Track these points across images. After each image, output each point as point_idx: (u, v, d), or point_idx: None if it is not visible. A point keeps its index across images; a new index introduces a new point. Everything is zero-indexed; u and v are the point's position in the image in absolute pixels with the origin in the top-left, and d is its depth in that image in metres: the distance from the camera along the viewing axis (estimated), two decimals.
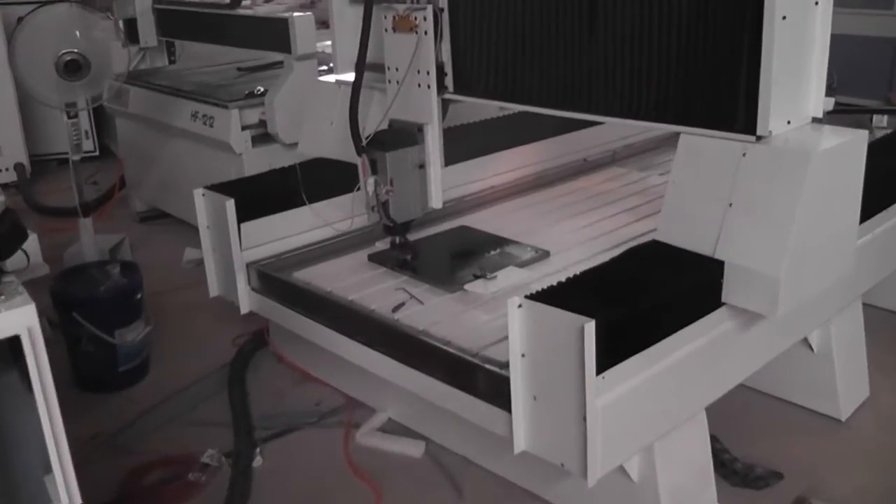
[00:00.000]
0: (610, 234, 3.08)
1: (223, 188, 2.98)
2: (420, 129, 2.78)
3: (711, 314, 2.15)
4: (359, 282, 2.82)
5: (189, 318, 3.61)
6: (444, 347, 2.34)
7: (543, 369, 2.01)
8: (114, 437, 2.86)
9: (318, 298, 2.73)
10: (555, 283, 2.10)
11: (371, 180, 2.74)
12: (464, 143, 3.46)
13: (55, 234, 4.36)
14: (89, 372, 3.13)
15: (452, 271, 2.84)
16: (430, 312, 2.57)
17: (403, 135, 2.80)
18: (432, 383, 2.33)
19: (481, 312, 2.56)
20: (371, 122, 2.83)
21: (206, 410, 3.01)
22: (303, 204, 2.96)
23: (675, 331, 2.07)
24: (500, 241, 3.03)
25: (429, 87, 2.71)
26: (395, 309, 2.59)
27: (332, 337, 2.66)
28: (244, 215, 2.89)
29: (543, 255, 2.92)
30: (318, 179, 3.09)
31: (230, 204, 2.84)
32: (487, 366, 2.23)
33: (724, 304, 2.18)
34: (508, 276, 2.75)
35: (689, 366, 2.13)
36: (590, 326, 1.85)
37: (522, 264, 2.83)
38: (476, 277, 2.71)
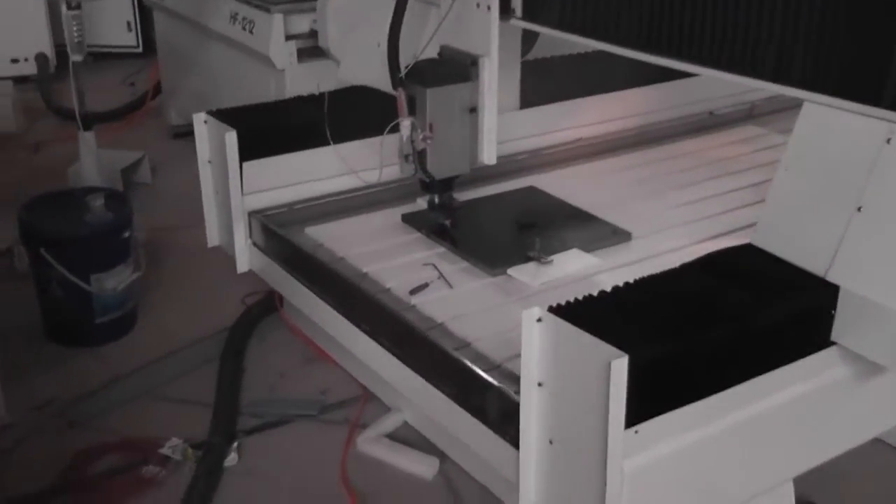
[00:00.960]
0: (719, 217, 2.85)
1: (230, 115, 2.86)
2: (474, 62, 2.58)
3: (813, 356, 1.89)
4: (382, 249, 2.70)
5: (197, 264, 3.48)
6: (455, 354, 2.13)
7: (565, 407, 1.79)
8: (71, 406, 2.77)
9: (323, 267, 2.59)
10: (595, 293, 1.88)
11: (407, 122, 2.59)
12: (549, 81, 3.33)
13: (66, 144, 4.29)
14: (59, 321, 3.05)
15: (501, 247, 2.68)
16: (459, 300, 2.42)
17: (453, 67, 2.62)
18: (435, 396, 2.16)
19: (523, 307, 2.29)
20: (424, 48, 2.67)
21: (192, 384, 2.91)
22: (326, 143, 2.82)
23: (753, 376, 1.80)
24: (571, 213, 2.87)
25: (489, 8, 2.50)
26: (415, 291, 2.44)
27: (333, 318, 2.54)
28: (250, 151, 2.78)
29: (623, 237, 2.73)
30: (353, 114, 2.96)
31: (231, 136, 2.72)
32: (503, 386, 2.01)
33: (833, 344, 1.91)
34: (568, 262, 2.56)
35: (771, 425, 1.88)
36: (620, 364, 1.59)
37: (592, 247, 2.64)
38: (529, 259, 2.53)
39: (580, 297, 1.85)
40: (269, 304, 3.24)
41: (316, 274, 2.62)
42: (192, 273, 3.50)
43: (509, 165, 3.05)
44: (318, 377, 2.95)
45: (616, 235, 2.72)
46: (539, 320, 1.78)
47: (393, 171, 2.78)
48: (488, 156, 2.70)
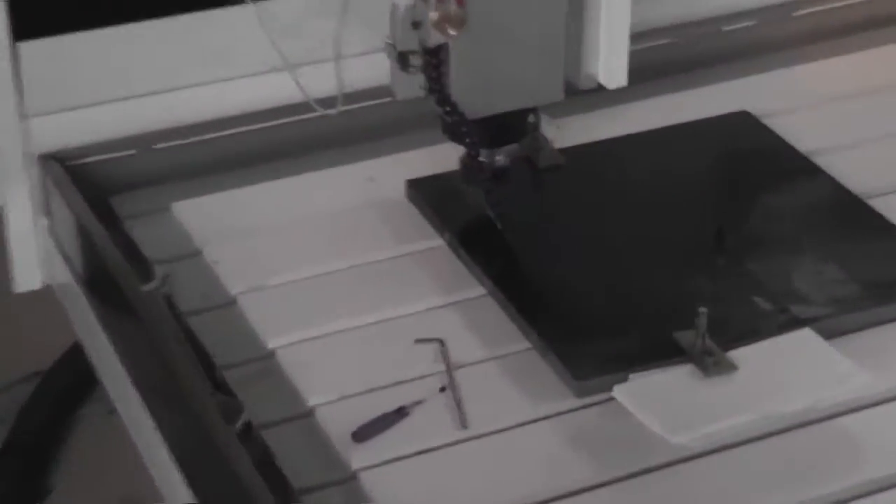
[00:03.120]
0: None
1: None
2: None
3: None
4: (336, 277, 2.37)
5: None
6: None
7: None
8: None
9: (159, 330, 2.19)
10: None
11: None
12: None
13: None
14: None
15: (617, 307, 2.28)
16: (469, 470, 1.99)
17: None
18: None
19: None
20: None
21: None
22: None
23: None
24: (822, 202, 2.53)
25: None
26: (370, 428, 2.02)
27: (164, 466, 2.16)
28: (42, 15, 2.55)
29: None
30: None
31: None
32: None
33: None
34: (781, 368, 2.11)
35: None
36: None
37: (856, 323, 2.20)
38: (680, 354, 2.10)
39: None
40: None
41: (148, 338, 2.20)
42: None
43: (692, 51, 2.86)
44: None
45: None
46: None
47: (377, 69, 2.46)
48: (608, 69, 2.38)
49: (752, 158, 2.63)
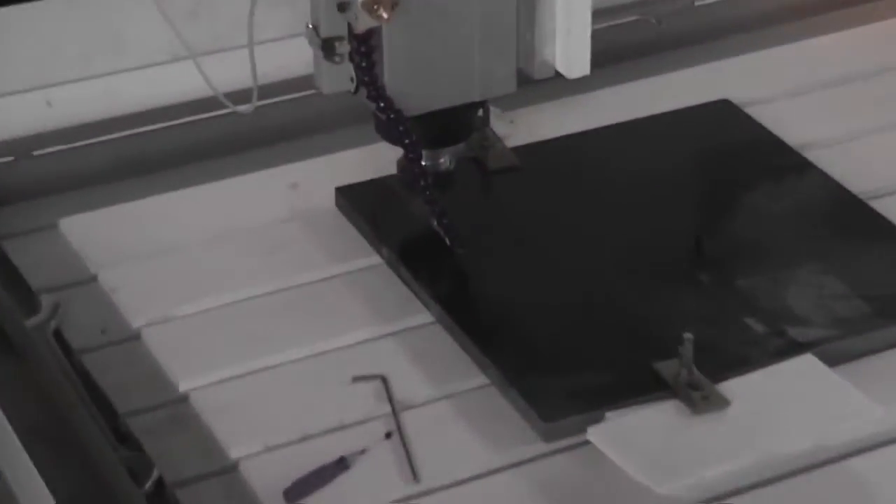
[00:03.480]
0: None
1: None
2: None
3: None
4: (262, 302, 2.33)
5: None
6: None
7: None
8: None
9: (56, 366, 2.11)
10: None
11: None
12: None
13: None
14: None
15: (588, 334, 2.23)
16: None
17: None
18: None
19: None
20: None
21: None
22: None
23: None
24: (823, 208, 2.50)
25: None
26: (303, 486, 1.97)
27: None
28: None
29: None
30: None
31: None
32: None
33: None
34: (773, 404, 2.08)
35: None
36: None
37: (863, 345, 2.16)
38: (661, 386, 2.07)
39: None
40: None
41: (35, 382, 2.09)
42: None
43: (663, 31, 2.77)
44: None
45: None
46: None
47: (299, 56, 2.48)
48: (567, 56, 2.29)
49: (735, 154, 2.59)
